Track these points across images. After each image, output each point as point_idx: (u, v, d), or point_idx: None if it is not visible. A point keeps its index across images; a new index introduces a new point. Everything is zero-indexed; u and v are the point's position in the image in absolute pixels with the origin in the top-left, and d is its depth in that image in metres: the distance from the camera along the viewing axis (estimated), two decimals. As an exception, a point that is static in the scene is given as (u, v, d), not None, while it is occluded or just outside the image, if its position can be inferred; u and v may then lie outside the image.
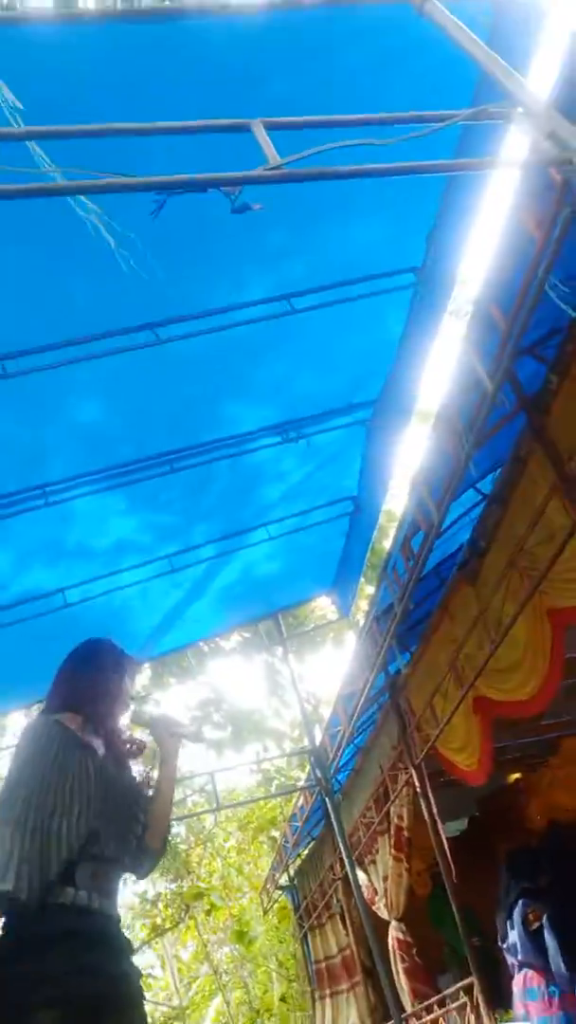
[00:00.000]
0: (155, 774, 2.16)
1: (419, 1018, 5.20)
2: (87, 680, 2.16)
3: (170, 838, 1.93)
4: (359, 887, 5.94)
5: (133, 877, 2.08)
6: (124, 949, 1.88)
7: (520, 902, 4.27)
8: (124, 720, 2.21)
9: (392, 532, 6.01)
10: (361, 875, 6.23)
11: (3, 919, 1.75)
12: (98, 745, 2.06)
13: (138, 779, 2.15)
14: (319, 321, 3.42)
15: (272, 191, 2.07)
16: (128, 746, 2.18)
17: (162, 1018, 16.64)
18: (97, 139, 1.61)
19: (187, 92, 2.33)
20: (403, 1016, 5.26)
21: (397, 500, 8.75)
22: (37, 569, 4.30)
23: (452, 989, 4.67)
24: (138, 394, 3.50)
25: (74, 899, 1.78)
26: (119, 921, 1.92)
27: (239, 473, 4.27)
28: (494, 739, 4.42)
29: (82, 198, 1.93)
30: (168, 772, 2.13)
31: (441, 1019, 4.85)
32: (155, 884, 16.25)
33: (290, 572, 5.66)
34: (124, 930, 1.94)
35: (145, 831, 2.02)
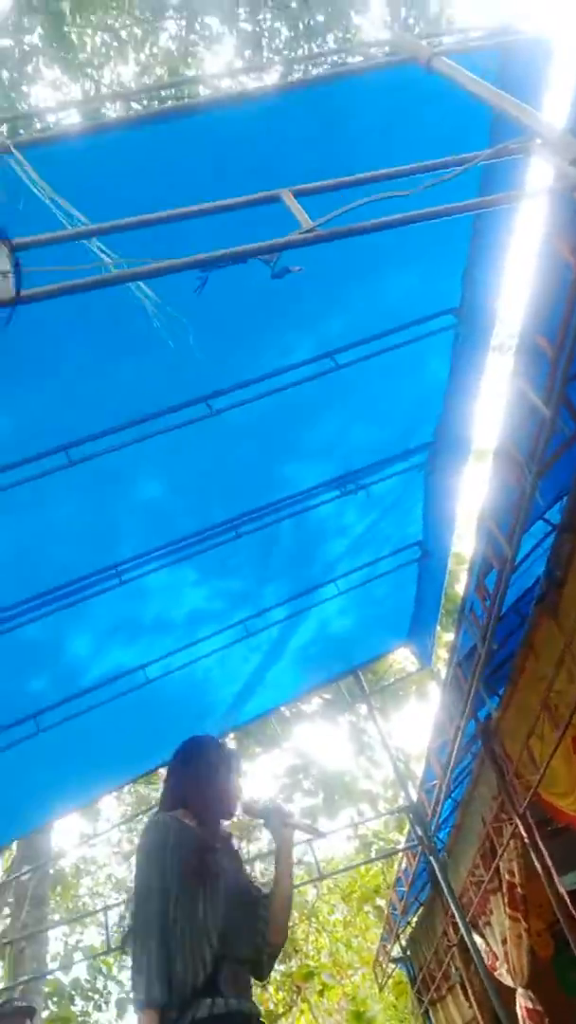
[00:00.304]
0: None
1: None
2: (196, 777, 2.18)
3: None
4: (478, 952, 5.62)
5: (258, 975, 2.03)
6: None
7: None
8: (237, 812, 2.21)
9: (463, 576, 5.91)
10: (478, 939, 5.91)
11: None
12: (215, 841, 2.05)
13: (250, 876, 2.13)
14: (364, 373, 3.47)
15: (307, 254, 2.16)
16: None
17: None
18: (143, 230, 1.72)
19: (216, 174, 2.46)
20: None
21: (464, 542, 8.64)
22: (117, 648, 4.37)
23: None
24: (197, 466, 3.59)
25: (225, 1006, 1.78)
26: (259, 1016, 1.90)
27: (302, 531, 4.30)
28: (601, 778, 4.20)
29: (139, 285, 2.04)
30: (285, 864, 2.10)
31: None
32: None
33: (365, 626, 5.60)
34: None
35: (268, 927, 2.00)
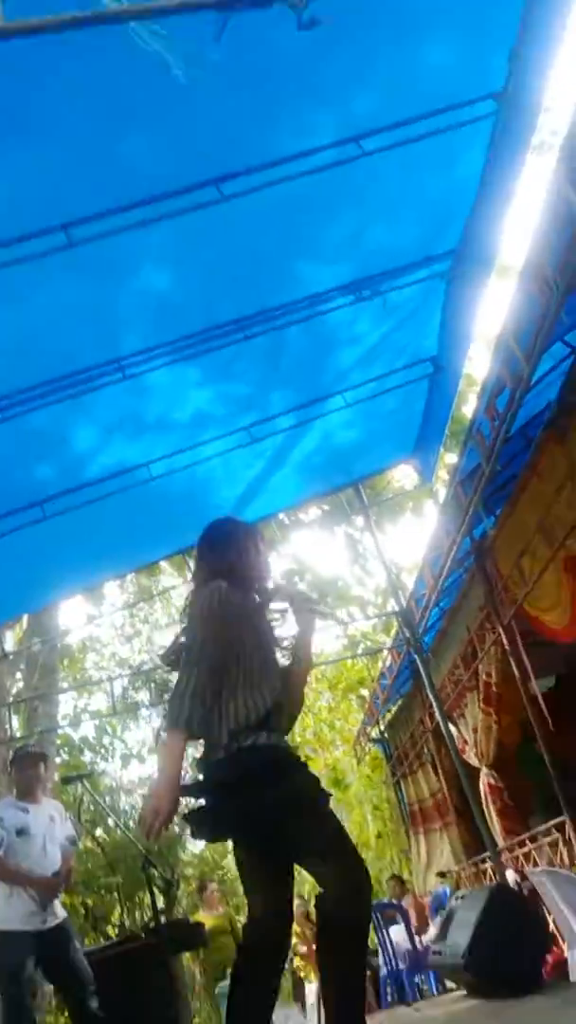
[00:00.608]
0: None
1: (512, 852, 5.53)
2: (227, 555, 2.30)
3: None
4: (451, 736, 6.20)
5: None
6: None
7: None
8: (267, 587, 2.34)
9: (472, 399, 5.77)
10: (452, 728, 6.49)
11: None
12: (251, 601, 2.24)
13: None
14: (391, 164, 3.16)
15: (338, 7, 1.86)
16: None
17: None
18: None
19: None
20: (497, 850, 5.59)
21: (476, 365, 8.40)
22: (120, 443, 4.39)
23: (545, 826, 4.91)
24: (206, 258, 3.38)
25: (268, 739, 2.03)
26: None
27: (313, 338, 4.15)
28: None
29: (144, 29, 1.79)
30: (306, 646, 2.24)
31: (534, 853, 5.13)
32: (253, 738, 17.46)
33: (369, 440, 5.58)
34: None
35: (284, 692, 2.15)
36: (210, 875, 16.01)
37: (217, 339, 3.81)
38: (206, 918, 7.22)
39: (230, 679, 2.05)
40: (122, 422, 4.28)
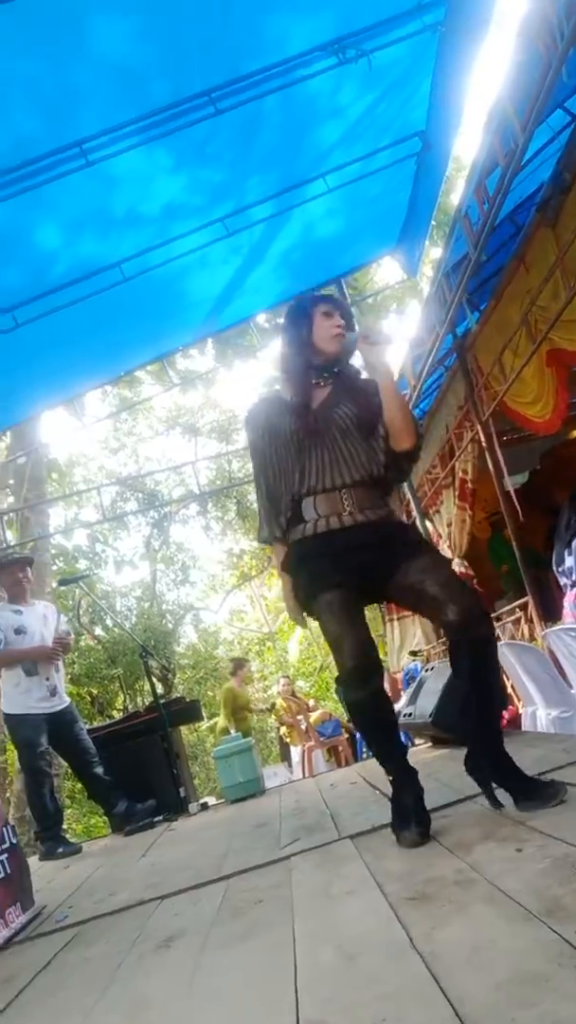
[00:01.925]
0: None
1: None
2: (285, 341, 2.33)
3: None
4: (427, 531, 6.48)
5: (397, 479, 2.33)
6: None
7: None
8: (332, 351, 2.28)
9: (460, 185, 5.36)
10: (427, 524, 6.78)
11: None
12: (305, 397, 2.24)
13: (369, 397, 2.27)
14: None
15: None
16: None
17: (256, 640, 19.80)
18: None
19: None
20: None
21: (466, 147, 7.76)
22: (88, 241, 4.12)
23: (510, 606, 5.30)
24: (170, 9, 2.96)
25: (312, 528, 2.17)
26: (378, 521, 2.20)
27: (292, 110, 3.77)
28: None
29: None
30: (385, 376, 2.21)
31: (498, 631, 5.58)
32: (239, 541, 18.21)
33: (353, 230, 5.27)
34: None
35: (387, 438, 2.21)
36: (203, 663, 17.35)
37: (186, 114, 3.45)
38: (239, 693, 8.40)
39: (270, 485, 2.26)
40: (89, 217, 3.98)
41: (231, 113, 3.54)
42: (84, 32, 2.88)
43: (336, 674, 2.23)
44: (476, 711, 2.11)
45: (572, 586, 4.16)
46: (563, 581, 4.28)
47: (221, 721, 8.52)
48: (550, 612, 4.74)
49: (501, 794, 2.07)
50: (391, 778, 2.13)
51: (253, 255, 4.98)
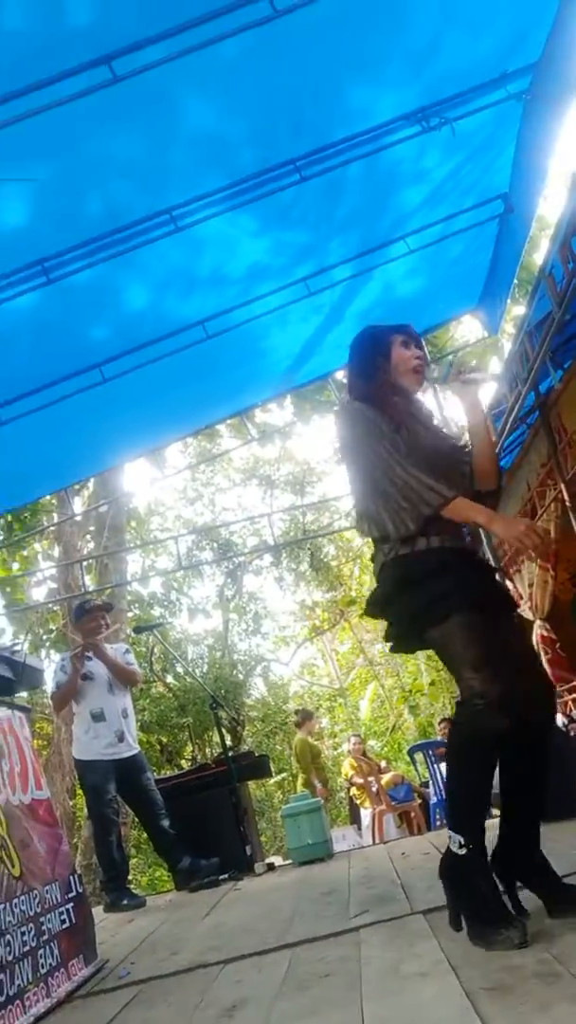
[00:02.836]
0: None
1: (562, 697, 5.75)
2: (359, 374, 2.25)
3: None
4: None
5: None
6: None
7: None
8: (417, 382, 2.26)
9: (545, 245, 5.36)
10: (507, 583, 6.60)
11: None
12: (393, 412, 2.12)
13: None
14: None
15: None
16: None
17: (327, 696, 19.48)
18: None
19: None
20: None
21: (551, 206, 7.77)
22: (174, 301, 4.29)
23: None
24: (256, 88, 3.11)
25: (427, 543, 2.00)
26: (460, 550, 2.08)
27: (375, 176, 3.86)
28: None
29: None
30: (477, 415, 2.16)
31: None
32: (311, 593, 18.16)
33: (433, 289, 5.31)
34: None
35: (472, 476, 2.16)
36: (272, 717, 17.17)
37: (271, 182, 3.59)
38: (315, 744, 8.41)
39: (386, 492, 2.01)
40: (176, 278, 4.16)
41: (316, 179, 3.66)
42: (177, 110, 3.05)
43: (460, 700, 1.92)
44: (525, 799, 1.94)
45: None
46: None
47: (301, 775, 8.27)
48: None
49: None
50: (466, 850, 1.83)
51: (333, 314, 5.07)
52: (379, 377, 2.19)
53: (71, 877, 2.76)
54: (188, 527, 16.78)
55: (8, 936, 2.16)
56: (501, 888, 1.85)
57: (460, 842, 1.83)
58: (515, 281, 5.85)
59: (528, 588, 6.27)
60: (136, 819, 5.38)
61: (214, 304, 4.44)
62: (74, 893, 2.72)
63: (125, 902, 4.19)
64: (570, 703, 5.58)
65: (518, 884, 1.90)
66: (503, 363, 5.46)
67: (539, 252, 6.69)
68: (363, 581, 17.14)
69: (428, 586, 1.94)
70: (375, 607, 2.14)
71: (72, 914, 2.63)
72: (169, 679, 14.82)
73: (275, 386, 6.05)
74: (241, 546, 16.61)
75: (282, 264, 4.37)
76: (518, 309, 8.14)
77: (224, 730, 8.02)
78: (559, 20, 3.11)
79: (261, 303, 4.55)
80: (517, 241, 4.61)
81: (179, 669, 14.54)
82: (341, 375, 8.93)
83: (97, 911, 4.04)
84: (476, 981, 1.48)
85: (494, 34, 3.26)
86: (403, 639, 2.11)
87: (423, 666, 16.11)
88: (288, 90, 3.21)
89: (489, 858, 1.87)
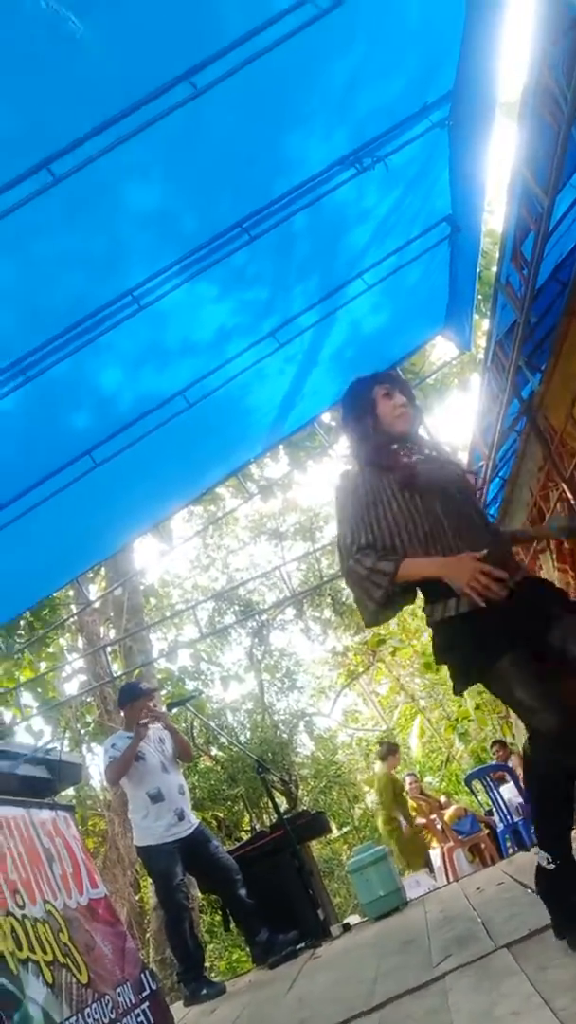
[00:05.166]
0: None
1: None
2: (349, 431, 2.38)
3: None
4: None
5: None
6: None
7: None
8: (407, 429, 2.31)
9: (497, 255, 5.47)
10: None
11: None
12: (393, 469, 2.19)
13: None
14: (370, 5, 2.92)
15: None
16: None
17: (375, 740, 19.07)
18: None
19: None
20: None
21: (495, 218, 7.93)
22: (149, 377, 4.36)
23: None
24: (193, 161, 3.23)
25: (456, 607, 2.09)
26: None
27: (321, 223, 3.97)
28: None
29: None
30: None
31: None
32: (340, 638, 17.97)
33: (399, 319, 5.39)
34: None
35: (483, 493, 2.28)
36: (324, 771, 16.81)
37: (223, 247, 3.68)
38: (397, 778, 8.05)
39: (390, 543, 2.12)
40: (147, 354, 4.23)
41: (265, 236, 3.75)
42: (120, 196, 3.16)
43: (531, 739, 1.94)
44: None
45: None
46: None
47: (381, 811, 7.88)
48: None
49: None
50: (555, 865, 1.87)
51: (307, 360, 5.15)
52: (373, 436, 2.28)
53: (142, 975, 2.67)
54: (206, 594, 16.73)
55: (86, 1048, 2.08)
56: None
57: (548, 858, 1.91)
58: (479, 296, 5.94)
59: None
60: (205, 902, 5.21)
61: (189, 373, 4.51)
62: (148, 991, 2.62)
63: (204, 992, 4.02)
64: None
65: None
66: (481, 375, 5.51)
67: (495, 265, 6.80)
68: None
69: (465, 649, 2.07)
70: (437, 661, 2.29)
71: (149, 1015, 2.53)
72: (214, 751, 14.57)
73: (265, 440, 6.10)
74: (261, 603, 16.52)
75: (248, 322, 4.45)
76: (487, 323, 8.26)
77: (278, 792, 7.84)
78: (465, 46, 3.22)
79: (235, 363, 4.63)
80: (470, 257, 4.70)
81: (223, 739, 14.32)
82: (328, 417, 9.01)
83: (177, 1007, 3.89)
84: (572, 1009, 1.41)
85: (407, 70, 3.39)
86: (466, 683, 2.18)
87: (465, 693, 15.81)
88: (223, 157, 3.32)
89: None
